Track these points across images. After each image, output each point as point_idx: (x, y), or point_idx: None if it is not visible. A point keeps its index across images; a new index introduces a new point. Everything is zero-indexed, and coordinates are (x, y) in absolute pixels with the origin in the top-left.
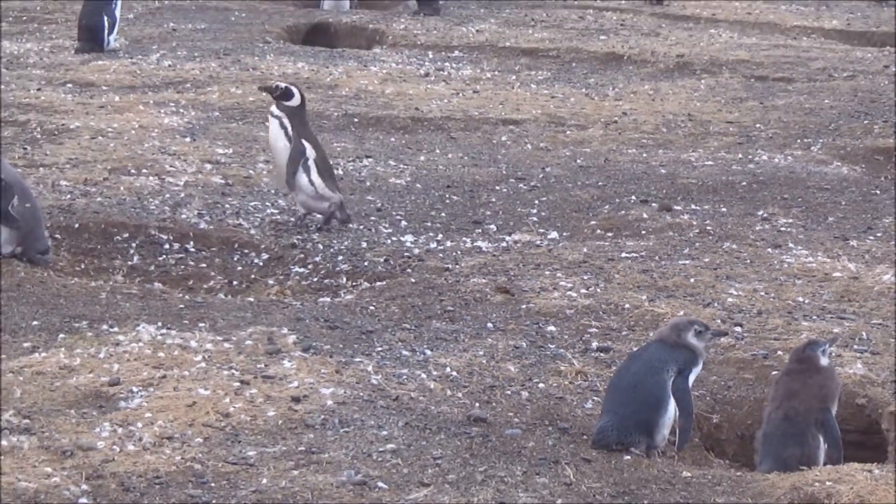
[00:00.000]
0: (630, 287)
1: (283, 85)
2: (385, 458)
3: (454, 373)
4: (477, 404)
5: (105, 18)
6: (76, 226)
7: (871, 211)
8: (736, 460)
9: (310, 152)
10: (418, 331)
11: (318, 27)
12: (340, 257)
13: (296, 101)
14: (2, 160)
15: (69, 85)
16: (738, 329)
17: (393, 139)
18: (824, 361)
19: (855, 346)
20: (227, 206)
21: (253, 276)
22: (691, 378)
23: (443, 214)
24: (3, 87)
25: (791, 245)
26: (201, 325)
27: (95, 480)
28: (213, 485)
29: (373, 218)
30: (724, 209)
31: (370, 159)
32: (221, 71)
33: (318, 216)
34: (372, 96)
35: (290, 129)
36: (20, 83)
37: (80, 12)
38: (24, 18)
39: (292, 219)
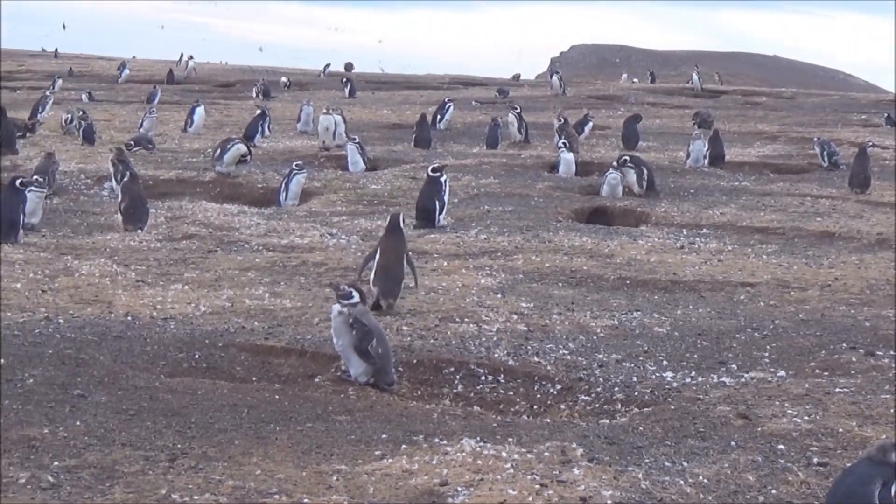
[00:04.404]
0: (843, 415)
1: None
2: None
3: (705, 480)
4: None
5: (437, 202)
6: (414, 361)
7: None
8: None
9: (376, 259)
10: (677, 447)
11: (598, 209)
12: (616, 388)
13: (391, 223)
14: (368, 313)
15: (409, 253)
16: None
17: (656, 297)
18: None
19: None
20: (529, 347)
21: (549, 402)
22: (893, 489)
23: (695, 356)
24: (359, 253)
25: None
26: (510, 439)
27: None
28: None
29: (641, 358)
30: None
31: (639, 312)
32: (524, 243)
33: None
34: (640, 263)
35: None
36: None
37: (417, 197)
38: (375, 202)
39: (580, 358)
